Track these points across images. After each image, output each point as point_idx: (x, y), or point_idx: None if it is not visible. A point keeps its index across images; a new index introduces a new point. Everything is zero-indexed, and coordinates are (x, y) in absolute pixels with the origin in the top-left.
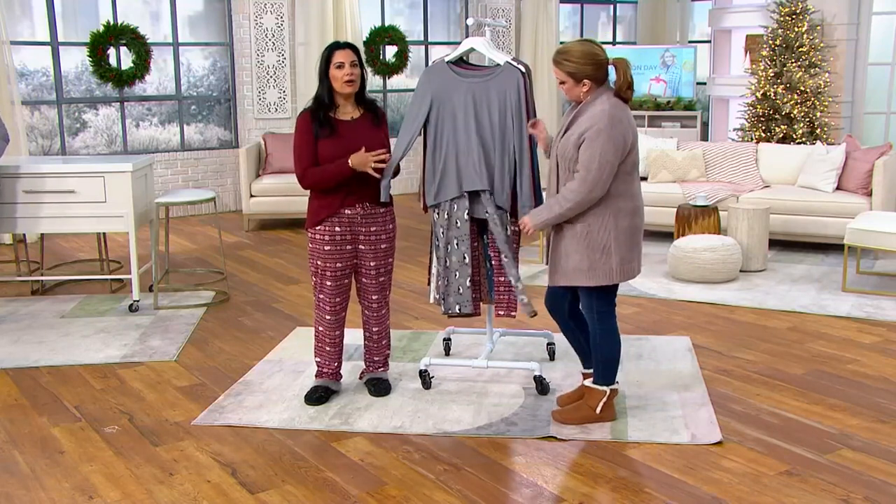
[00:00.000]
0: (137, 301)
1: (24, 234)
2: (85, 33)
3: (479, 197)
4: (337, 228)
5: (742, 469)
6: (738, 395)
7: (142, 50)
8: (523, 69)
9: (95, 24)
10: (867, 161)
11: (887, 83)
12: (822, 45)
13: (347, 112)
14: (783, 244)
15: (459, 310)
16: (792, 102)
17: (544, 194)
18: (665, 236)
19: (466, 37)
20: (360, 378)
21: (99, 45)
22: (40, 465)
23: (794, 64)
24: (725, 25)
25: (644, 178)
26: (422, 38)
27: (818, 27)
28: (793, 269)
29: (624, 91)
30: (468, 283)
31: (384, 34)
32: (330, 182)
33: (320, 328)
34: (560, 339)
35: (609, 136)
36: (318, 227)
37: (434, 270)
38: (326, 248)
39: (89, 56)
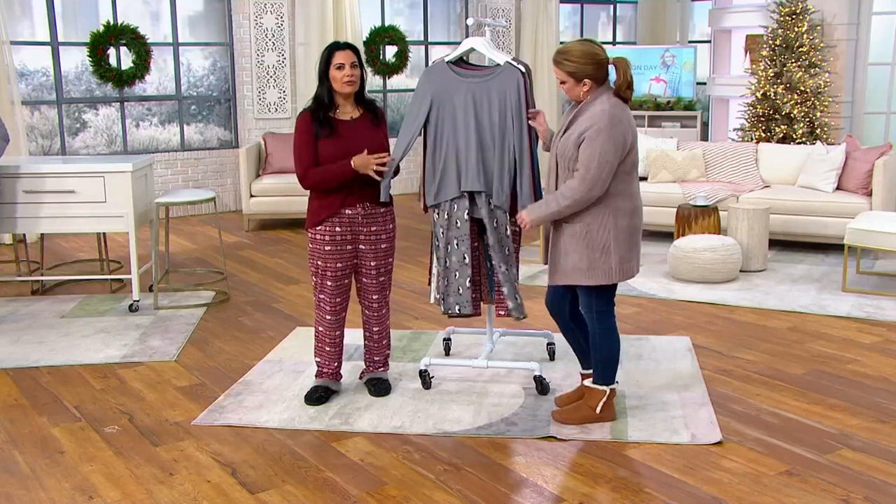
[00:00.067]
0: (137, 301)
1: (24, 234)
2: (85, 33)
3: (479, 197)
4: (337, 228)
5: (742, 469)
6: (738, 395)
7: (142, 50)
8: (523, 69)
9: (95, 24)
10: (867, 161)
11: (887, 83)
12: (822, 45)
13: (347, 112)
14: (783, 244)
15: (459, 310)
16: (792, 102)
17: (544, 194)
18: (665, 236)
19: (466, 37)
20: (360, 378)
21: (99, 45)
22: (40, 465)
23: (794, 64)
24: (725, 25)
25: (644, 178)
26: (422, 38)
27: (818, 27)
28: (793, 269)
29: (624, 91)
30: (468, 284)
31: (384, 34)
32: (331, 183)
33: (320, 328)
34: (560, 339)
35: (609, 135)
36: (318, 228)
37: (434, 270)
38: (327, 248)
39: (89, 56)
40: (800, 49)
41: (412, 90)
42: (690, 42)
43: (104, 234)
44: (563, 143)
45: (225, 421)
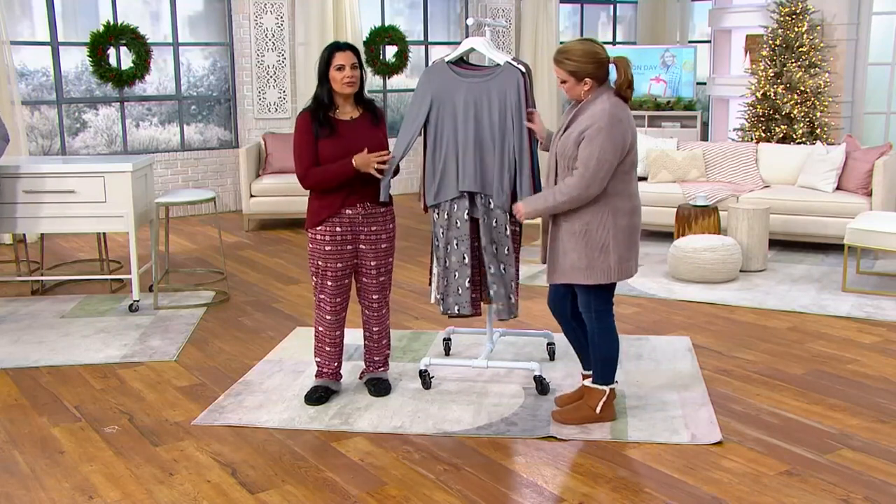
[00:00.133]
0: (137, 301)
1: (24, 234)
2: (85, 33)
3: (479, 197)
4: (338, 228)
5: (742, 469)
6: (738, 395)
7: (142, 50)
8: (523, 69)
9: (95, 24)
10: (867, 161)
11: (887, 83)
12: (822, 45)
13: (347, 112)
14: (783, 244)
15: (458, 310)
16: (792, 102)
17: None
18: (665, 236)
19: (466, 37)
20: (360, 378)
21: (99, 45)
22: (40, 465)
23: (794, 64)
24: (725, 25)
25: (644, 178)
26: (422, 38)
27: (818, 27)
28: (793, 269)
29: (624, 90)
30: (467, 284)
31: (384, 34)
32: (332, 182)
33: (320, 328)
34: (560, 339)
35: (609, 134)
36: (318, 228)
37: (435, 271)
38: (327, 248)
39: (89, 56)
40: (800, 49)
41: (412, 90)
42: (690, 42)
43: (104, 234)
44: (562, 142)
45: (225, 421)
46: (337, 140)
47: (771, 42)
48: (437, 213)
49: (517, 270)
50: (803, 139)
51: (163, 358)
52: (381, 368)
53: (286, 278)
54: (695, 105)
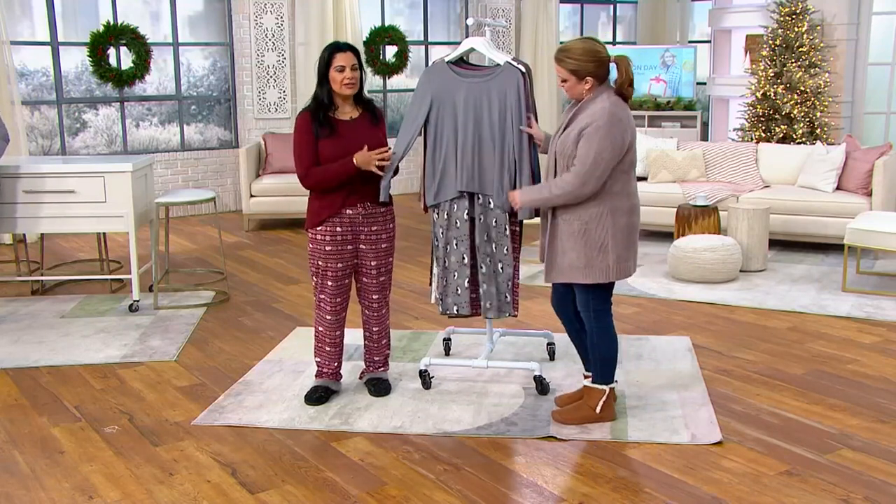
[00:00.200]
0: (137, 301)
1: (24, 234)
2: (85, 33)
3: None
4: (338, 228)
5: (742, 469)
6: (738, 395)
7: (142, 50)
8: (523, 69)
9: (95, 24)
10: (867, 161)
11: (887, 83)
12: (822, 45)
13: (346, 112)
14: (783, 244)
15: (457, 311)
16: (792, 102)
17: None
18: (665, 236)
19: (466, 37)
20: (360, 378)
21: (99, 45)
22: (40, 465)
23: (794, 64)
24: (725, 25)
25: (644, 178)
26: (422, 38)
27: (818, 27)
28: (793, 269)
29: (625, 88)
30: (466, 284)
31: (384, 34)
32: (333, 181)
33: (320, 328)
34: (560, 339)
35: (608, 133)
36: (318, 228)
37: (435, 271)
38: (328, 248)
39: (89, 56)
40: (800, 49)
41: (412, 90)
42: (690, 42)
43: (104, 234)
44: (562, 140)
45: (225, 421)
46: (337, 140)
47: (771, 42)
48: (437, 213)
49: (516, 270)
50: (803, 139)
51: (163, 358)
52: (381, 368)
53: (286, 278)
54: (695, 105)
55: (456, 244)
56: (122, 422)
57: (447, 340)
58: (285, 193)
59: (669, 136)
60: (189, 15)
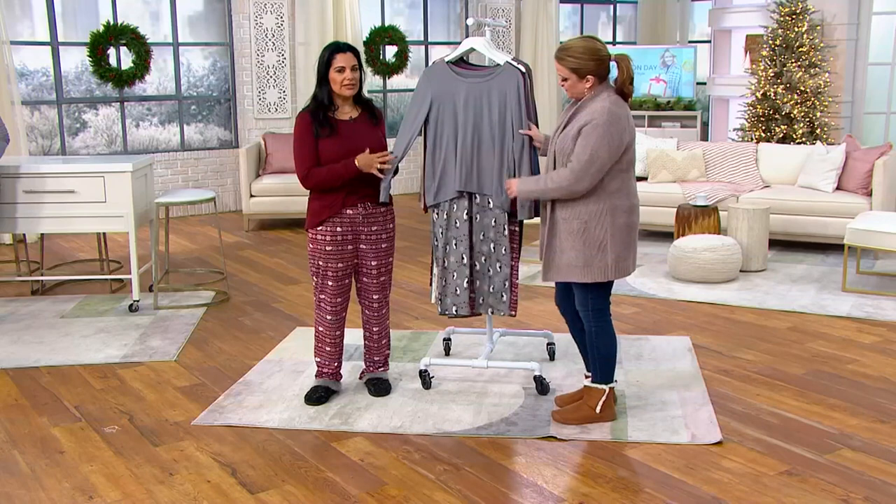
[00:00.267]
0: (137, 301)
1: (24, 234)
2: (85, 33)
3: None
4: (338, 228)
5: (742, 469)
6: (738, 395)
7: (142, 50)
8: (523, 69)
9: (95, 24)
10: (867, 161)
11: (887, 83)
12: (822, 45)
13: (346, 112)
14: (783, 244)
15: (456, 311)
16: (792, 102)
17: None
18: (665, 236)
19: (466, 37)
20: (360, 378)
21: (99, 45)
22: (40, 465)
23: (794, 64)
24: (725, 25)
25: (644, 178)
26: (422, 38)
27: (818, 27)
28: (793, 269)
29: (627, 86)
30: (465, 285)
31: (384, 34)
32: (335, 182)
33: (321, 328)
34: (560, 339)
35: (605, 131)
36: (319, 228)
37: (435, 271)
38: (328, 248)
39: (89, 56)
40: (800, 49)
41: (412, 90)
42: (690, 42)
43: (104, 234)
44: (561, 139)
45: (225, 421)
46: (337, 140)
47: (771, 42)
48: (437, 213)
49: (515, 270)
50: (803, 139)
51: (163, 358)
52: (381, 368)
53: (286, 278)
54: (695, 105)
55: (455, 244)
56: (122, 422)
57: (447, 340)
58: (285, 193)
59: (669, 136)
60: (189, 15)
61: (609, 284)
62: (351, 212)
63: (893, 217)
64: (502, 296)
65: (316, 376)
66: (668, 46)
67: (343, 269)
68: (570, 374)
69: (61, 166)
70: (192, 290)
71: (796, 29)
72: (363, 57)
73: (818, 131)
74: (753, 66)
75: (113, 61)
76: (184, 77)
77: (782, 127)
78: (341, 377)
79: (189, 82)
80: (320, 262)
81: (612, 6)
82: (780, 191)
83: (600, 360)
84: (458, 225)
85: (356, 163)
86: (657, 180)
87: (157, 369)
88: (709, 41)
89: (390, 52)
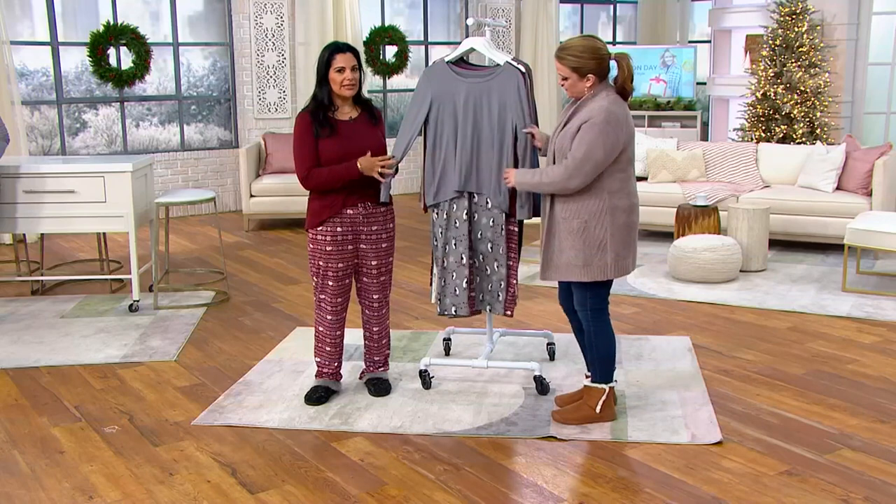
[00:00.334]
0: (137, 301)
1: (24, 234)
2: (85, 33)
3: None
4: (339, 228)
5: (742, 469)
6: (738, 395)
7: (142, 50)
8: (523, 69)
9: (95, 24)
10: (867, 161)
11: (887, 83)
12: (822, 45)
13: (346, 112)
14: (783, 244)
15: (455, 311)
16: (792, 102)
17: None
18: (665, 236)
19: (466, 37)
20: (360, 378)
21: (99, 45)
22: (40, 465)
23: (794, 64)
24: (725, 25)
25: (644, 178)
26: (422, 38)
27: (818, 27)
28: (793, 269)
29: (627, 84)
30: (464, 285)
31: (384, 34)
32: (335, 184)
33: (321, 328)
34: (560, 339)
35: (602, 131)
36: (319, 228)
37: (435, 271)
38: (329, 248)
39: (89, 56)
40: (800, 49)
41: (412, 90)
42: (690, 42)
43: (104, 234)
44: (561, 137)
45: (225, 421)
46: (337, 140)
47: (771, 42)
48: (437, 213)
49: (514, 270)
50: (803, 139)
51: (163, 358)
52: (381, 368)
53: (286, 278)
54: (695, 105)
55: (455, 244)
56: (122, 422)
57: (447, 340)
58: (285, 193)
59: (669, 136)
60: (189, 15)
61: (608, 284)
62: (351, 212)
63: (893, 217)
64: (498, 295)
65: (316, 376)
66: (668, 46)
67: (343, 268)
68: (570, 374)
69: (61, 166)
70: (192, 290)
71: (796, 29)
72: (363, 57)
73: (818, 131)
74: (753, 66)
75: (113, 61)
76: (184, 77)
77: (782, 127)
78: (341, 377)
79: (189, 82)
80: (321, 262)
81: (612, 6)
82: (780, 191)
83: (599, 359)
84: (457, 225)
85: (358, 165)
86: (657, 180)
87: (157, 369)
88: (709, 41)
89: (390, 52)
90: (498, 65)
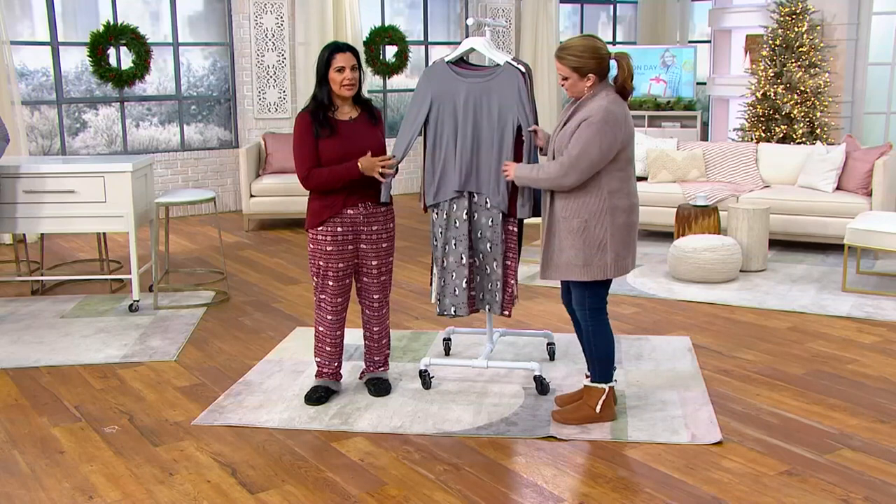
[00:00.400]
0: (137, 301)
1: (24, 234)
2: (85, 33)
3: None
4: (339, 228)
5: (742, 469)
6: (738, 395)
7: (142, 50)
8: (523, 69)
9: (95, 24)
10: (867, 161)
11: (887, 83)
12: (822, 45)
13: (346, 112)
14: (783, 244)
15: (454, 311)
16: (792, 102)
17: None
18: (665, 236)
19: (466, 37)
20: (360, 378)
21: (99, 45)
22: (40, 465)
23: (794, 64)
24: (725, 25)
25: (644, 178)
26: (422, 38)
27: (818, 27)
28: (793, 269)
29: (627, 83)
30: (464, 285)
31: (384, 34)
32: (336, 184)
33: (321, 328)
34: (560, 339)
35: (600, 130)
36: (319, 228)
37: (434, 271)
38: (329, 248)
39: (89, 56)
40: (800, 49)
41: (412, 90)
42: (690, 42)
43: (104, 234)
44: (560, 136)
45: (225, 421)
46: (337, 140)
47: (771, 42)
48: (437, 213)
49: (513, 270)
50: (803, 139)
51: (163, 358)
52: (382, 368)
53: (286, 278)
54: (695, 105)
55: (455, 244)
56: (122, 422)
57: (447, 340)
58: (285, 193)
59: (669, 136)
60: (189, 15)
61: (607, 284)
62: (351, 212)
63: (893, 217)
64: (496, 295)
65: (316, 376)
66: (668, 46)
67: (344, 268)
68: (570, 374)
69: (61, 166)
70: (192, 290)
71: (796, 29)
72: (363, 57)
73: (818, 131)
74: (753, 66)
75: (113, 61)
76: (184, 77)
77: (782, 127)
78: (341, 377)
79: (189, 82)
80: (321, 262)
81: (612, 6)
82: (780, 191)
83: (598, 359)
84: (457, 225)
85: (359, 165)
86: (657, 180)
87: (157, 369)
88: (709, 41)
89: (390, 52)
90: (498, 65)
